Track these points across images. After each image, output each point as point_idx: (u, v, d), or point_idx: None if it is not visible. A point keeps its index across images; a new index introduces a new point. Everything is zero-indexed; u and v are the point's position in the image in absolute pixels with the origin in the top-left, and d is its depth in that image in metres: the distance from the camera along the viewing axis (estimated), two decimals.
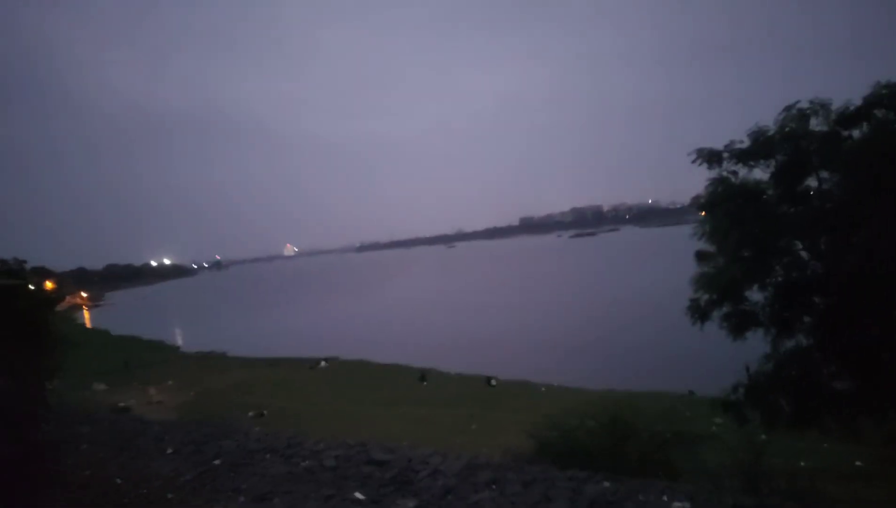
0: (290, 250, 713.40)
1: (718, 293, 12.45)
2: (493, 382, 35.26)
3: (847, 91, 11.61)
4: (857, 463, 16.08)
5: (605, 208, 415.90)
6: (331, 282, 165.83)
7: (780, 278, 12.20)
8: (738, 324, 12.36)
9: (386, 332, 61.13)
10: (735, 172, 13.00)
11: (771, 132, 12.32)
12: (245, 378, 41.45)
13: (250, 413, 29.46)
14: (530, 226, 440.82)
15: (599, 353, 40.93)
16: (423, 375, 38.48)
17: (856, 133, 11.40)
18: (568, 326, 52.26)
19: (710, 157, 13.08)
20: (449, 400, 31.64)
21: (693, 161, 13.28)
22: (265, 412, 29.92)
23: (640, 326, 45.94)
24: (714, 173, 13.12)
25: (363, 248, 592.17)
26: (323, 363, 45.69)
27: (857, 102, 11.23)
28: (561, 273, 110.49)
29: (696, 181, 13.38)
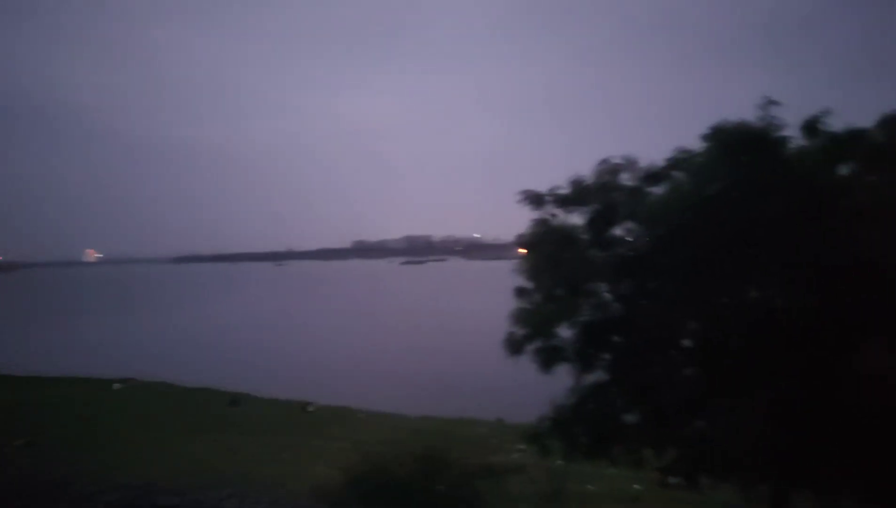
0: (91, 255, 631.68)
1: (532, 329, 13.07)
2: (311, 408, 33.86)
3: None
4: (636, 487, 17.95)
5: (435, 239, 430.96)
6: (134, 294, 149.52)
7: (586, 318, 13.13)
8: (548, 359, 13.05)
9: (196, 352, 56.25)
10: (555, 215, 13.85)
11: (588, 182, 13.34)
12: (15, 400, 35.16)
13: (18, 443, 24.90)
14: (363, 250, 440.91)
15: (420, 378, 41.47)
16: (234, 399, 35.75)
17: (658, 190, 12.77)
18: (392, 350, 52.46)
19: (534, 199, 13.82)
20: (261, 427, 29.67)
21: (519, 201, 13.98)
22: (35, 441, 25.44)
23: (461, 353, 47.58)
24: (537, 215, 13.87)
25: (182, 259, 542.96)
26: (116, 385, 40.46)
27: (670, 159, 12.59)
28: (388, 298, 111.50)
29: (519, 220, 14.16)
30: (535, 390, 14.33)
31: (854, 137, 10.88)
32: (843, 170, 11.19)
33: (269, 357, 51.47)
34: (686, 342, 12.31)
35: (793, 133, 11.36)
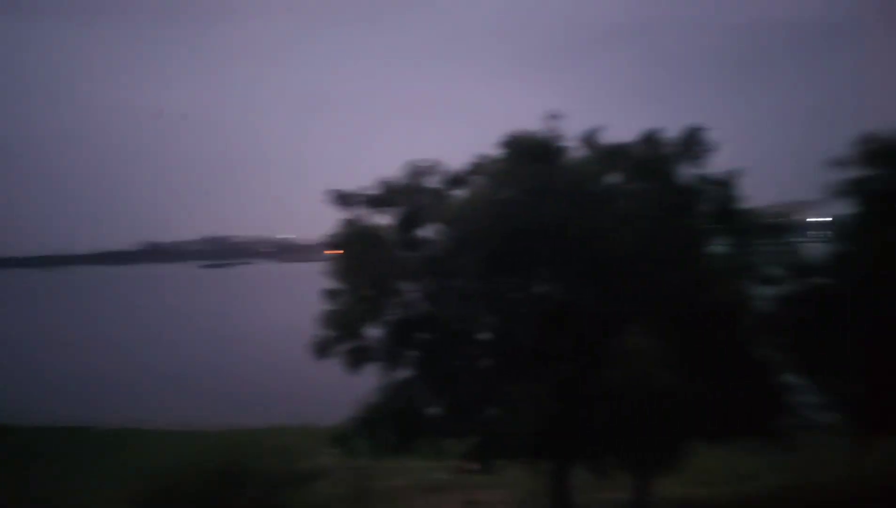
0: None
1: (341, 330, 13.01)
2: (93, 431, 29.85)
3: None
4: (440, 476, 18.80)
5: (241, 241, 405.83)
6: None
7: (393, 316, 13.43)
8: (357, 359, 13.11)
9: None
10: (365, 216, 13.95)
11: (396, 184, 13.66)
12: None
13: None
14: (157, 252, 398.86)
15: (223, 390, 38.84)
16: None
17: (460, 193, 13.52)
18: (191, 363, 48.45)
19: (343, 199, 13.79)
20: (34, 453, 25.40)
21: (328, 201, 13.84)
22: None
23: (267, 360, 45.58)
24: (346, 215, 13.84)
25: None
26: None
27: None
28: (190, 305, 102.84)
29: (333, 221, 14.03)
30: (344, 391, 14.31)
31: (620, 150, 12.65)
32: (612, 178, 12.97)
33: (40, 374, 44.33)
34: (483, 336, 13.23)
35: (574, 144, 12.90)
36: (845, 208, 16.15)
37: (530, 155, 11.93)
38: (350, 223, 13.69)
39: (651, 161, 12.80)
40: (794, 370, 14.20)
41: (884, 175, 14.87)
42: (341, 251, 13.77)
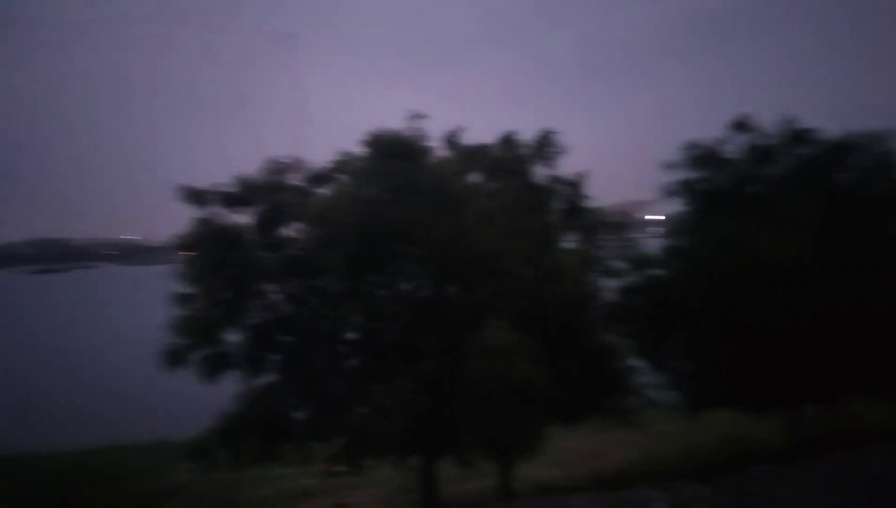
0: None
1: (196, 336, 12.21)
2: None
3: None
4: (307, 482, 18.36)
5: (78, 243, 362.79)
6: None
7: (255, 320, 12.85)
8: (214, 367, 12.38)
9: None
10: (220, 215, 13.20)
11: (255, 181, 13.08)
12: None
13: None
14: None
15: (63, 409, 34.83)
16: None
17: (324, 191, 13.25)
18: (25, 379, 42.97)
19: (195, 197, 12.94)
20: None
21: (178, 199, 12.90)
22: None
23: (113, 374, 41.59)
24: (200, 214, 13.00)
25: None
26: None
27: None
28: (19, 317, 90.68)
29: (180, 220, 13.01)
30: (201, 402, 13.45)
31: (480, 151, 13.18)
32: (472, 178, 13.47)
33: None
34: (349, 336, 13.10)
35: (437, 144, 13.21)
36: (678, 206, 18.14)
37: (393, 154, 12.01)
38: (204, 222, 12.89)
39: (508, 162, 13.47)
40: (636, 353, 15.69)
41: (707, 178, 16.90)
42: (195, 252, 12.91)
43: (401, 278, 12.63)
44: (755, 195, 15.81)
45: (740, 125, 16.41)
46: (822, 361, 13.58)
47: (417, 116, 12.60)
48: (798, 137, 15.70)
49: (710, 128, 17.32)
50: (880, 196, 14.78)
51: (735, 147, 16.41)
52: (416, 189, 11.59)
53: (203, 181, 13.08)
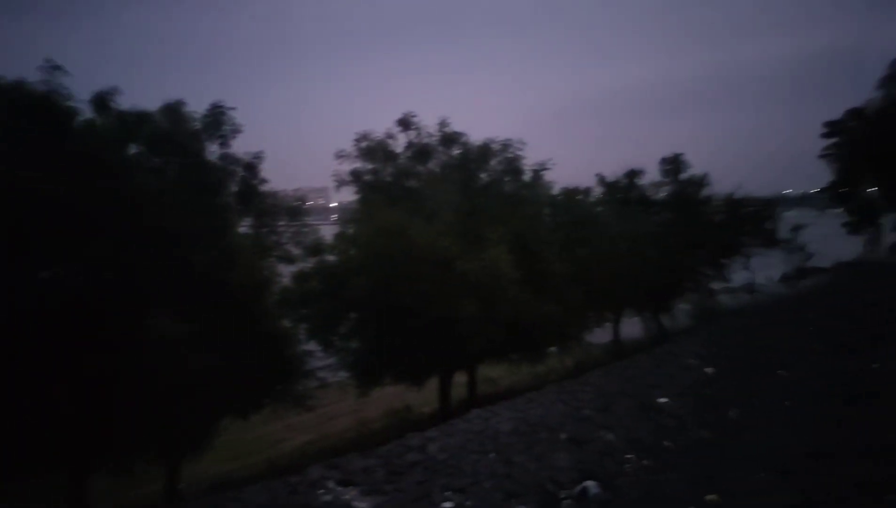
0: None
1: None
2: None
3: None
4: None
5: None
6: None
7: None
8: None
9: None
10: None
11: None
12: None
13: None
14: None
15: None
16: None
17: None
18: None
19: None
20: None
21: None
22: None
23: None
24: None
25: None
26: None
27: None
28: None
29: None
30: None
31: (141, 120, 11.48)
32: (133, 150, 11.68)
33: None
34: None
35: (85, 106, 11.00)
36: (351, 194, 19.13)
37: (24, 110, 9.63)
38: None
39: (174, 135, 12.07)
40: (310, 337, 15.97)
41: (374, 169, 18.21)
42: None
43: (40, 263, 10.09)
44: (413, 189, 17.72)
45: (404, 123, 18.13)
46: None
47: (56, 67, 10.25)
48: (450, 139, 18.12)
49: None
50: None
51: (400, 143, 18.10)
52: (57, 156, 9.46)
53: None
